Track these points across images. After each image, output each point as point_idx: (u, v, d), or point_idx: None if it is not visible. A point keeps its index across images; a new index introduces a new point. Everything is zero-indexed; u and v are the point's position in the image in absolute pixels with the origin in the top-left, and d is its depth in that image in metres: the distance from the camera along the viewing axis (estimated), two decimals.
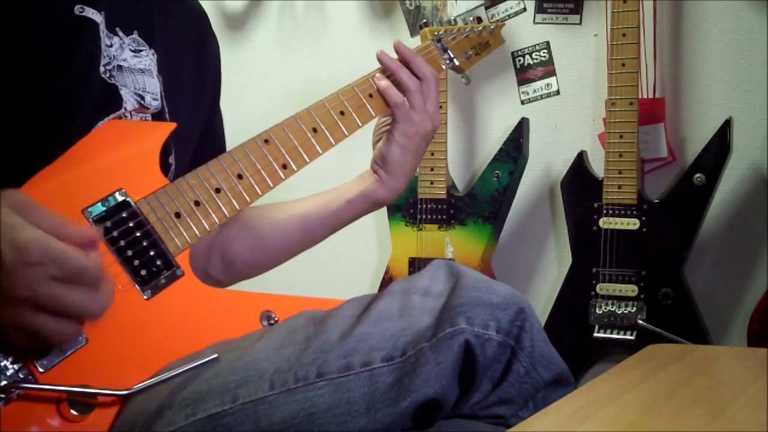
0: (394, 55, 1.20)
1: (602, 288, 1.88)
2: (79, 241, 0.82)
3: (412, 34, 2.14)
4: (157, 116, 1.08)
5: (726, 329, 1.96)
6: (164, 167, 1.05)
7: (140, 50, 1.07)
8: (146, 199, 0.96)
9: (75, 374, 0.84)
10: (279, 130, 1.09)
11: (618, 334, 1.87)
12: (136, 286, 0.91)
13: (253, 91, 2.44)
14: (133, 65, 1.05)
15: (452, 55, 1.33)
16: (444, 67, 1.31)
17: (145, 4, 1.09)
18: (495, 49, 1.46)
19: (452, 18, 1.37)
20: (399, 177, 1.19)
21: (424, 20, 1.33)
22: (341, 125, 1.13)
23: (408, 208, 2.08)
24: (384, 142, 1.19)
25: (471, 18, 1.40)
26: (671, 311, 1.84)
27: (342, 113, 1.14)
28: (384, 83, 1.17)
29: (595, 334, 1.88)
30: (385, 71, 1.18)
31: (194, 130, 1.18)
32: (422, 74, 1.18)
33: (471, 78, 1.40)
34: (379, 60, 1.19)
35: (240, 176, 1.03)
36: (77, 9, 0.99)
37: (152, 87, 1.07)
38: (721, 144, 1.82)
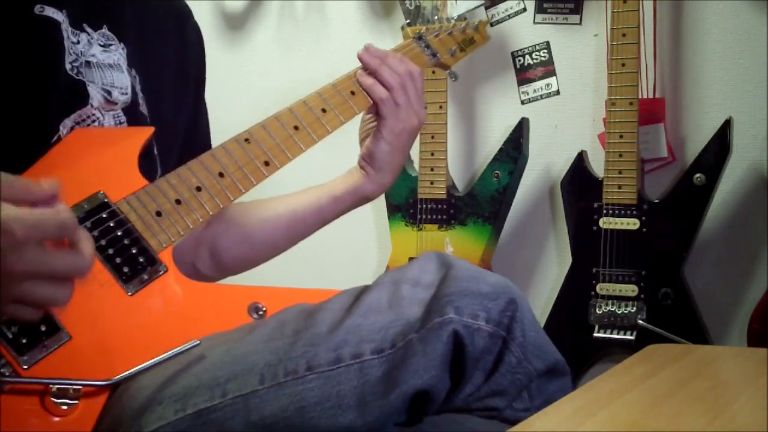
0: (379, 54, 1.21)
1: (602, 288, 1.88)
2: (44, 198, 0.80)
3: None
4: (128, 110, 1.08)
5: (726, 329, 1.96)
6: (149, 168, 1.06)
7: (109, 44, 1.07)
8: (126, 200, 0.97)
9: (59, 371, 0.84)
10: (259, 129, 1.10)
11: (618, 334, 1.87)
12: (119, 282, 0.92)
13: (253, 92, 2.43)
14: (102, 60, 1.05)
15: (435, 51, 1.34)
16: (428, 63, 1.32)
17: (110, 1, 1.09)
18: (480, 45, 1.46)
19: (436, 17, 1.38)
20: (386, 173, 1.21)
21: (407, 21, 1.34)
22: (323, 122, 1.15)
23: (408, 208, 2.08)
24: (371, 139, 1.20)
25: (455, 16, 1.40)
26: (671, 311, 1.84)
27: (324, 110, 1.15)
28: (368, 80, 1.18)
29: (595, 334, 1.88)
30: (367, 69, 1.19)
31: (178, 125, 1.19)
32: (404, 70, 1.19)
33: (458, 74, 1.40)
34: (360, 59, 1.20)
35: (221, 174, 1.04)
36: (37, 9, 0.99)
37: (120, 81, 1.07)
38: (721, 144, 1.82)
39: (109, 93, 1.05)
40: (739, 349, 1.59)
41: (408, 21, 1.31)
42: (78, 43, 1.03)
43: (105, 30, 1.07)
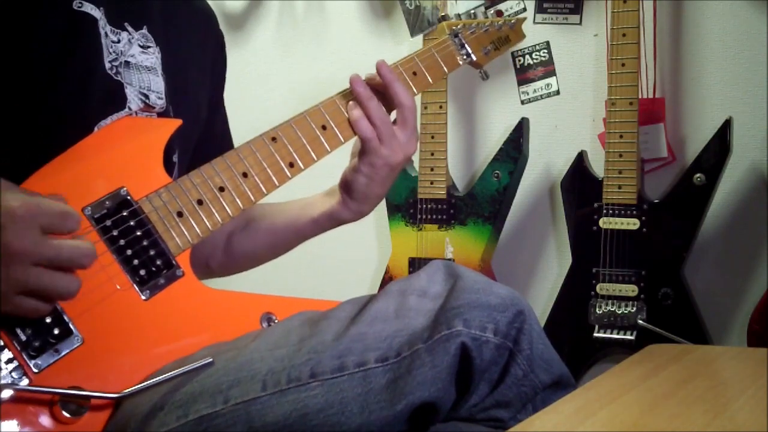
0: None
1: (602, 288, 1.88)
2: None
3: (412, 34, 2.14)
4: (162, 116, 1.07)
5: (726, 329, 1.96)
6: (168, 166, 1.04)
7: (148, 46, 1.06)
8: (148, 198, 0.95)
9: (69, 375, 0.84)
10: (287, 128, 1.07)
11: (618, 334, 1.87)
12: (135, 286, 0.91)
13: (253, 92, 2.43)
14: (141, 62, 1.04)
15: (470, 50, 1.28)
16: (461, 62, 1.26)
17: (148, 1, 1.09)
18: (516, 44, 1.40)
19: (472, 11, 1.32)
20: (363, 203, 1.14)
21: (443, 14, 1.30)
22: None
23: (408, 208, 2.08)
24: (349, 168, 1.13)
25: (491, 12, 1.34)
26: (671, 311, 1.84)
27: None
28: (356, 113, 1.08)
29: (595, 334, 1.88)
30: (356, 99, 1.09)
31: (196, 129, 1.18)
32: (399, 102, 1.09)
33: (489, 73, 1.37)
34: (352, 87, 1.10)
35: (245, 175, 1.02)
36: (76, 4, 0.98)
37: (157, 86, 1.06)
38: (721, 144, 1.82)
39: (147, 96, 1.04)
40: (739, 349, 1.59)
41: (444, 14, 1.26)
42: (118, 42, 1.02)
43: (145, 31, 1.06)
